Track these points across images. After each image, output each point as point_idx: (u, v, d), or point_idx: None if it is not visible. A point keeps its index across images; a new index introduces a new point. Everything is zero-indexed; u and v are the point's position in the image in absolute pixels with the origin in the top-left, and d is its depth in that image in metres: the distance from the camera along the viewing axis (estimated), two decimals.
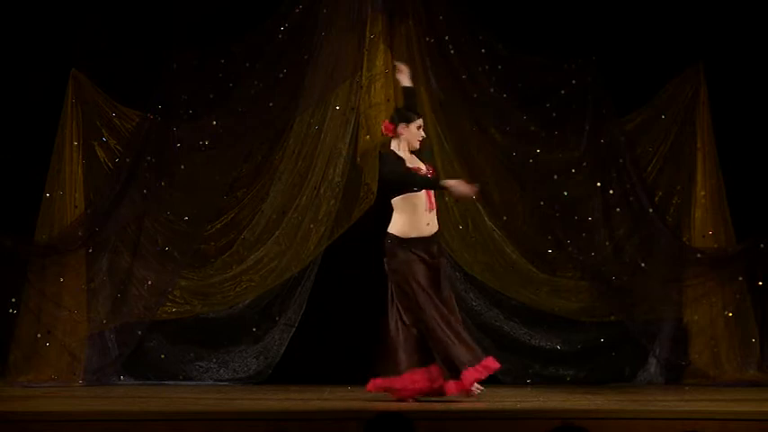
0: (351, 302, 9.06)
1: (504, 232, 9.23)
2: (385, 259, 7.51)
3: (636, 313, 9.20)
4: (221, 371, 9.23)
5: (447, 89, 9.17)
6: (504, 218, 9.24)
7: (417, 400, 7.33)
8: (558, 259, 9.30)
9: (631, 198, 9.24)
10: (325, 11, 9.12)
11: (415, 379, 7.34)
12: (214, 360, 9.24)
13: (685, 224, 9.28)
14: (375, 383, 7.44)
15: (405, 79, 7.83)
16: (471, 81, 9.21)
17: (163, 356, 9.20)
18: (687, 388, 8.79)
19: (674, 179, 9.29)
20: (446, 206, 9.14)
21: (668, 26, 9.24)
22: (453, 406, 7.01)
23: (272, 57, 9.17)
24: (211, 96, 9.19)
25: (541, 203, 9.26)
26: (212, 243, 9.20)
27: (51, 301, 8.89)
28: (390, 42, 9.07)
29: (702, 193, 9.19)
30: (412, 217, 7.49)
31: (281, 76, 9.17)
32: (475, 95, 9.22)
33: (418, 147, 7.65)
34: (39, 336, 8.86)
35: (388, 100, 8.99)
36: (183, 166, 9.18)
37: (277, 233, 9.13)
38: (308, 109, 9.14)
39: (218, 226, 9.21)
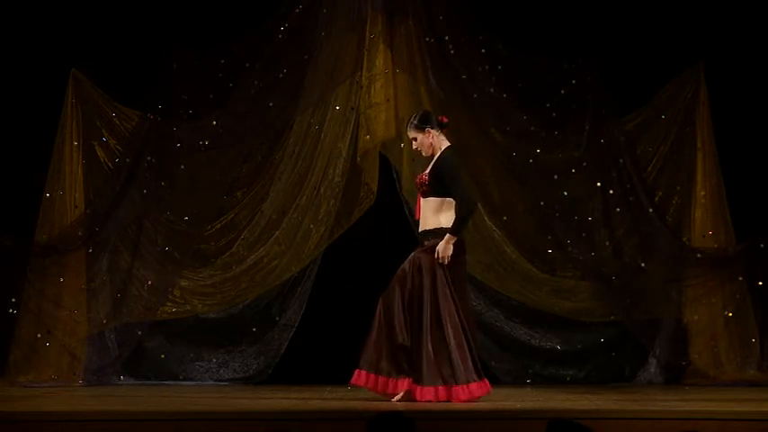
0: (351, 302, 9.06)
1: (504, 232, 9.23)
2: (464, 256, 7.46)
3: (636, 313, 9.20)
4: (221, 371, 9.23)
5: (447, 89, 9.17)
6: (504, 218, 9.25)
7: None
8: (558, 259, 9.31)
9: (631, 198, 9.24)
10: (325, 11, 9.12)
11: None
12: (214, 360, 9.24)
13: (685, 224, 9.28)
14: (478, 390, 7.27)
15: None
16: (471, 81, 9.21)
17: (163, 356, 9.20)
18: (687, 388, 8.79)
19: (674, 179, 9.29)
20: None
21: (668, 26, 9.24)
22: (453, 406, 7.01)
23: (272, 57, 9.18)
24: (211, 96, 9.20)
25: (541, 203, 9.26)
26: (212, 243, 9.20)
27: (51, 301, 8.89)
28: (390, 42, 9.07)
29: (702, 193, 9.20)
30: None
31: (281, 76, 9.17)
32: (475, 95, 9.22)
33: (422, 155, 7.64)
34: (39, 336, 8.86)
35: (388, 100, 9.01)
36: (183, 166, 9.18)
37: (277, 233, 9.13)
38: (308, 109, 9.15)
39: (218, 226, 9.21)
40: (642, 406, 7.08)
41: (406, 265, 7.37)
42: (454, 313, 7.23)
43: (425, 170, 7.51)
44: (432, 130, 7.45)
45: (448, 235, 7.26)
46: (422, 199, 7.44)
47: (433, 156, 7.49)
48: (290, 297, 9.20)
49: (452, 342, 7.18)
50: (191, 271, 9.17)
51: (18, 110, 9.14)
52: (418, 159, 9.07)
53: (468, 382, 7.17)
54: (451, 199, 7.35)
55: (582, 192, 9.28)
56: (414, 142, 7.54)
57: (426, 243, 7.35)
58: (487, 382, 7.32)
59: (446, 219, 7.34)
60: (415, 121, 7.51)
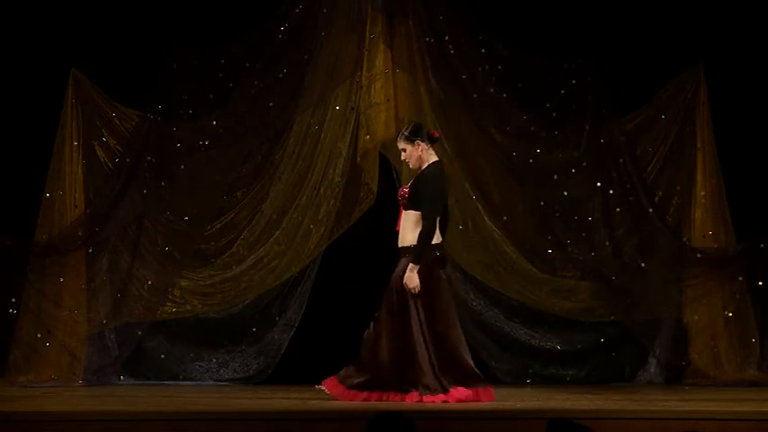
0: (351, 302, 9.06)
1: (504, 232, 9.23)
2: (442, 270, 7.41)
3: (636, 313, 9.20)
4: (221, 371, 9.23)
5: (447, 89, 9.17)
6: (504, 218, 9.24)
7: None
8: (558, 259, 9.31)
9: (631, 198, 9.24)
10: (325, 11, 9.12)
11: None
12: (214, 360, 9.24)
13: (685, 224, 9.29)
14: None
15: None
16: (471, 81, 9.21)
17: (163, 356, 9.20)
18: (687, 388, 8.79)
19: (674, 179, 9.30)
20: (446, 206, 9.14)
21: (668, 26, 9.24)
22: (453, 406, 7.00)
23: (272, 57, 9.17)
24: (211, 96, 9.20)
25: (541, 203, 9.26)
26: (212, 243, 9.20)
27: (51, 301, 8.88)
28: (390, 42, 9.07)
29: (702, 193, 9.20)
30: None
31: (281, 76, 9.17)
32: (475, 95, 9.22)
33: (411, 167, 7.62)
34: (39, 336, 8.86)
35: (388, 100, 9.01)
36: (183, 166, 9.18)
37: (277, 233, 9.13)
38: (308, 109, 9.15)
39: (218, 226, 9.21)
40: (642, 406, 7.08)
41: (390, 283, 7.35)
42: (411, 329, 7.17)
43: (410, 181, 7.49)
44: (421, 143, 7.42)
45: (411, 264, 7.21)
46: (403, 211, 7.43)
47: (419, 168, 7.48)
48: (290, 297, 9.20)
49: (418, 355, 7.17)
50: (191, 271, 9.16)
51: (18, 110, 9.14)
52: None
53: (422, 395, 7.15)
54: None
55: (582, 192, 9.28)
56: (402, 153, 7.50)
57: (403, 260, 7.31)
58: (454, 393, 7.18)
59: None
60: (405, 133, 7.49)
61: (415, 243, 7.25)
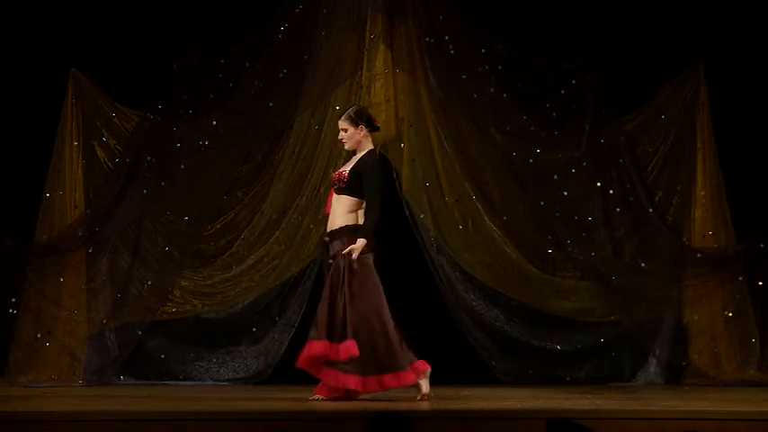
0: None
1: (504, 232, 9.23)
2: (371, 255, 7.43)
3: (636, 313, 9.20)
4: (221, 371, 9.23)
5: (447, 89, 9.17)
6: (504, 218, 9.25)
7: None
8: (558, 259, 9.30)
9: (631, 198, 9.25)
10: (325, 11, 9.13)
11: None
12: (214, 360, 9.24)
13: (685, 224, 9.28)
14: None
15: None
16: (471, 81, 9.22)
17: (163, 356, 9.20)
18: (687, 388, 8.79)
19: (674, 179, 9.30)
20: (446, 206, 9.15)
21: (668, 26, 9.24)
22: (453, 406, 7.01)
23: (272, 57, 9.19)
24: (211, 96, 9.20)
25: (541, 203, 9.26)
26: (212, 243, 9.21)
27: (51, 301, 8.89)
28: (390, 42, 9.08)
29: (702, 193, 9.20)
30: None
31: (281, 76, 9.18)
32: (475, 95, 9.23)
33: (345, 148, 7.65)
34: (39, 336, 8.86)
35: (388, 100, 9.02)
36: (183, 166, 9.19)
37: (277, 233, 9.14)
38: (308, 109, 9.16)
39: (218, 226, 9.22)
40: (642, 406, 7.08)
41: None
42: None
43: (345, 167, 7.48)
44: (364, 129, 7.45)
45: (364, 240, 7.24)
46: (335, 195, 7.42)
47: (354, 153, 7.48)
48: (290, 297, 9.20)
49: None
50: (191, 271, 9.17)
51: (18, 110, 9.14)
52: (418, 159, 9.10)
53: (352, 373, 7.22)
54: (363, 201, 7.36)
55: (582, 192, 9.28)
56: (342, 132, 7.48)
57: (336, 243, 7.34)
58: (372, 382, 7.26)
59: (355, 219, 7.34)
60: (351, 114, 7.49)
61: (346, 224, 7.30)
